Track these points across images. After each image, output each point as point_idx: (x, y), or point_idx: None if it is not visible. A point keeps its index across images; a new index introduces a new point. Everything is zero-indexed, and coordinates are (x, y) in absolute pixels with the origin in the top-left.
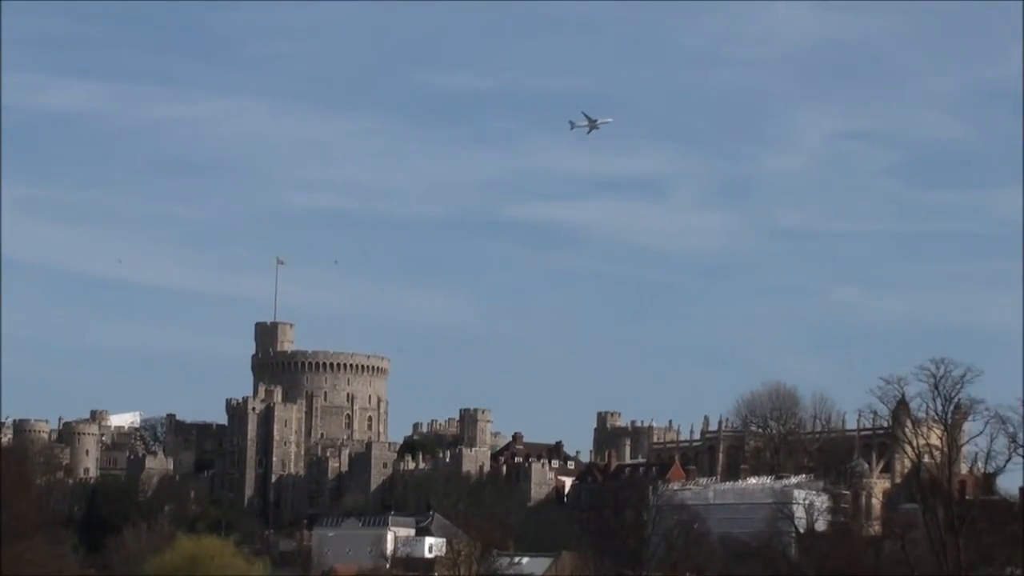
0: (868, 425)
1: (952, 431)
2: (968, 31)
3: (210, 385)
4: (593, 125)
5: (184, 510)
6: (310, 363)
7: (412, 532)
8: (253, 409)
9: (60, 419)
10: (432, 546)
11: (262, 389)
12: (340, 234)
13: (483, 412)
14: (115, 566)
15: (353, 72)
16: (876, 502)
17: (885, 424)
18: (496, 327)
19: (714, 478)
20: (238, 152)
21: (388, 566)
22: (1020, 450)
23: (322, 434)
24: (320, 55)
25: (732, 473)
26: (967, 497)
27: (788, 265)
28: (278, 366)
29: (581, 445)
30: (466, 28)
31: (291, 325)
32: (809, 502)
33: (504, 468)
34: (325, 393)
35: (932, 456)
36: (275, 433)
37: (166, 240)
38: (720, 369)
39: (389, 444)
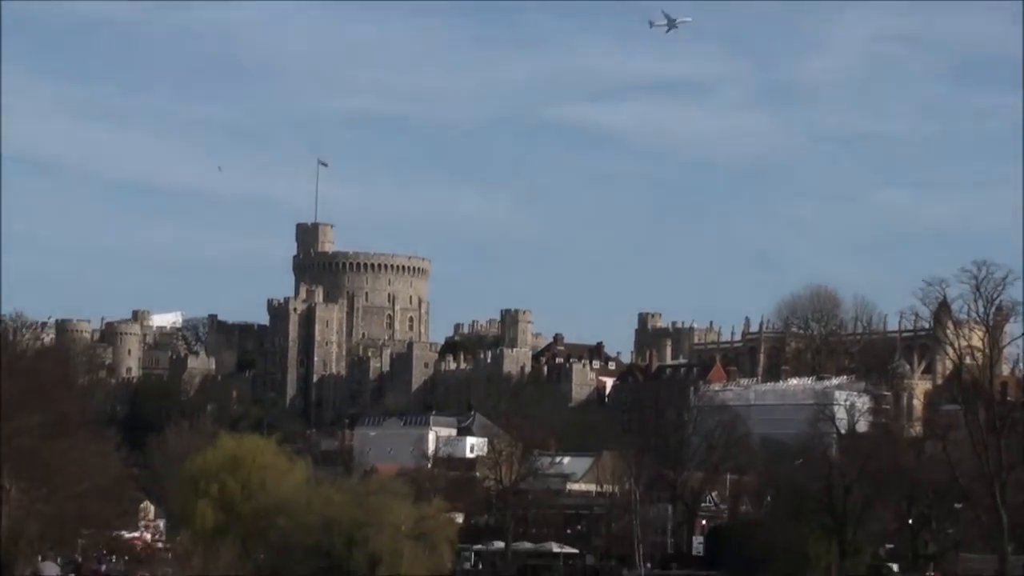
0: (909, 327)
1: (993, 333)
2: None
3: (251, 286)
4: (672, 24)
5: (226, 410)
6: (351, 264)
7: (453, 432)
8: (294, 309)
9: (102, 319)
10: (473, 446)
11: (303, 290)
12: (381, 135)
13: (524, 313)
14: (157, 465)
15: None
16: (917, 403)
17: (926, 326)
18: (537, 228)
19: (755, 379)
20: (279, 54)
21: (430, 466)
22: None
23: (363, 334)
24: None
25: (773, 374)
26: (1008, 398)
27: (831, 168)
28: (319, 267)
29: (622, 346)
30: None
31: (332, 226)
32: (850, 403)
33: (545, 369)
34: (366, 294)
35: (973, 357)
36: (316, 333)
37: (208, 143)
38: (761, 271)
39: (430, 344)
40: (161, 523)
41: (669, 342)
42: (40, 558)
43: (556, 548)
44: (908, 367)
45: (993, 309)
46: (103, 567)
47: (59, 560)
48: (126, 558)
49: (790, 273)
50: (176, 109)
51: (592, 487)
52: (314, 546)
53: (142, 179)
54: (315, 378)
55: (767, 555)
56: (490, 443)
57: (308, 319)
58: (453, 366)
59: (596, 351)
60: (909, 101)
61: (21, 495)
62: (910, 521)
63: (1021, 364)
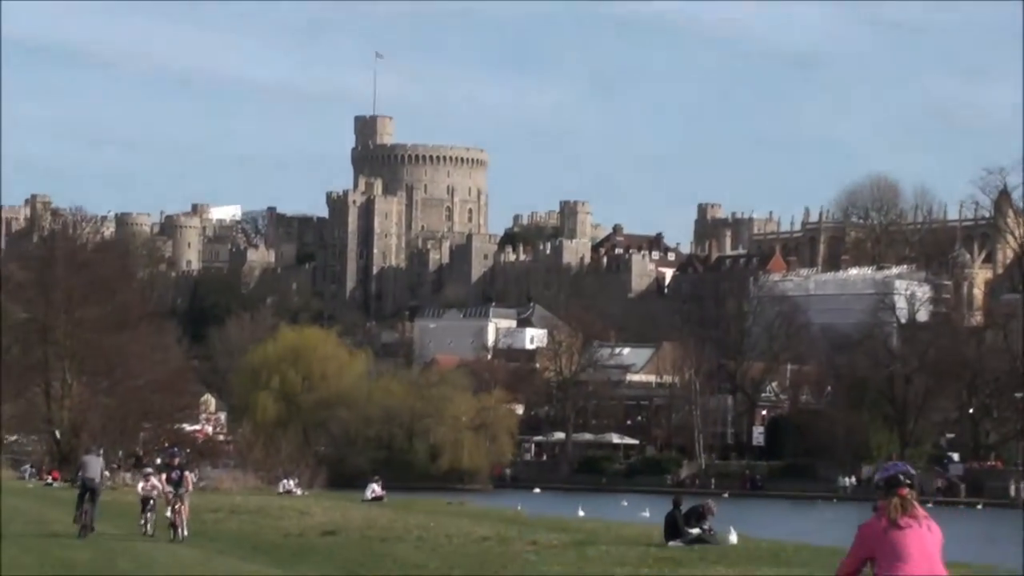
0: (970, 216)
1: None
2: None
3: (310, 179)
4: None
5: (286, 302)
6: (409, 156)
7: (513, 323)
8: (354, 202)
9: (162, 213)
10: (533, 337)
11: (362, 182)
12: (441, 26)
13: (583, 204)
14: (218, 357)
15: None
16: (978, 292)
17: (987, 215)
18: (595, 118)
19: (815, 269)
20: None
21: (490, 357)
22: None
23: (422, 226)
24: None
25: (833, 264)
26: None
27: (892, 57)
28: (378, 159)
29: (681, 237)
30: None
31: (390, 119)
32: (911, 292)
33: (604, 260)
34: (425, 186)
35: None
36: (376, 226)
37: (266, 35)
38: (821, 161)
39: (489, 236)
40: (222, 416)
41: (729, 232)
42: (84, 451)
43: (616, 439)
44: (968, 256)
45: None
46: (177, 460)
47: (101, 452)
48: (188, 451)
49: (850, 162)
50: (237, 2)
51: (652, 378)
52: (375, 437)
53: (203, 72)
54: (375, 270)
55: (828, 445)
56: (550, 334)
57: (367, 211)
58: (512, 258)
59: (655, 242)
60: None
61: (83, 388)
62: (971, 411)
63: None
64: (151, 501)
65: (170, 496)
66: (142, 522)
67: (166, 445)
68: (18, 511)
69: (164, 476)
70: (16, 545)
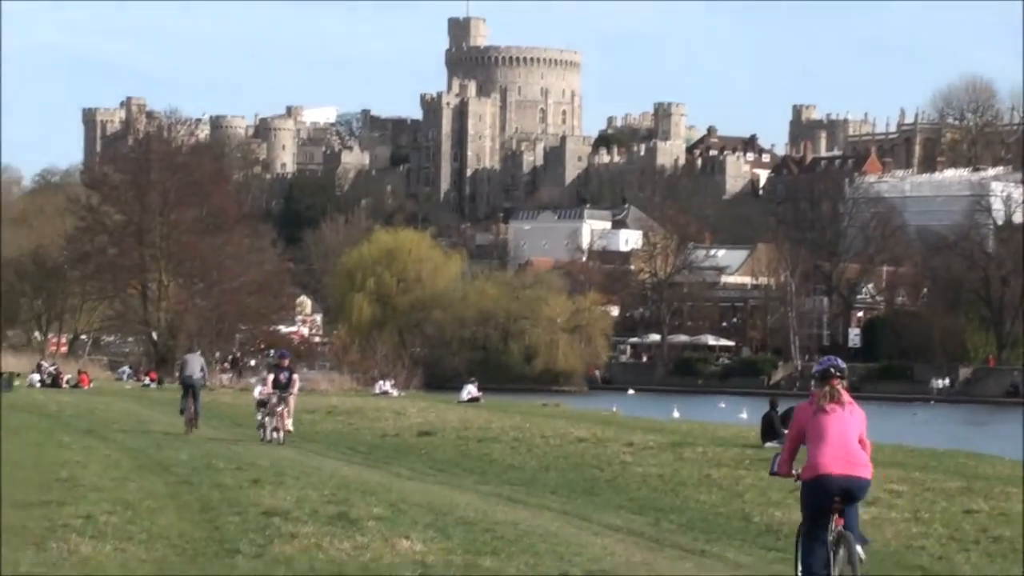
0: None
1: None
2: None
3: (404, 81)
4: None
5: (380, 204)
6: (503, 58)
7: (608, 225)
8: (447, 104)
9: (256, 115)
10: (628, 239)
11: (456, 84)
12: None
13: (677, 106)
14: (313, 259)
15: None
16: None
17: None
18: (690, 19)
19: (910, 170)
20: None
21: (584, 259)
22: None
23: (516, 128)
24: None
25: (928, 165)
26: None
27: None
28: (471, 61)
29: (776, 138)
30: None
31: (484, 20)
32: (1007, 194)
33: (699, 161)
34: (519, 88)
35: None
36: (469, 128)
37: None
38: (916, 62)
39: (583, 138)
40: (318, 317)
41: (824, 134)
42: (185, 351)
43: (711, 341)
44: None
45: None
46: (286, 361)
47: (199, 351)
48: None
49: (945, 63)
50: None
51: (747, 280)
52: (470, 339)
53: None
54: (468, 172)
55: (924, 346)
56: (645, 236)
57: (461, 113)
58: (606, 159)
59: (750, 143)
60: None
61: (179, 290)
62: None
63: None
64: (268, 404)
65: (275, 398)
66: (259, 426)
67: (262, 347)
68: (116, 412)
69: (271, 377)
70: (114, 445)
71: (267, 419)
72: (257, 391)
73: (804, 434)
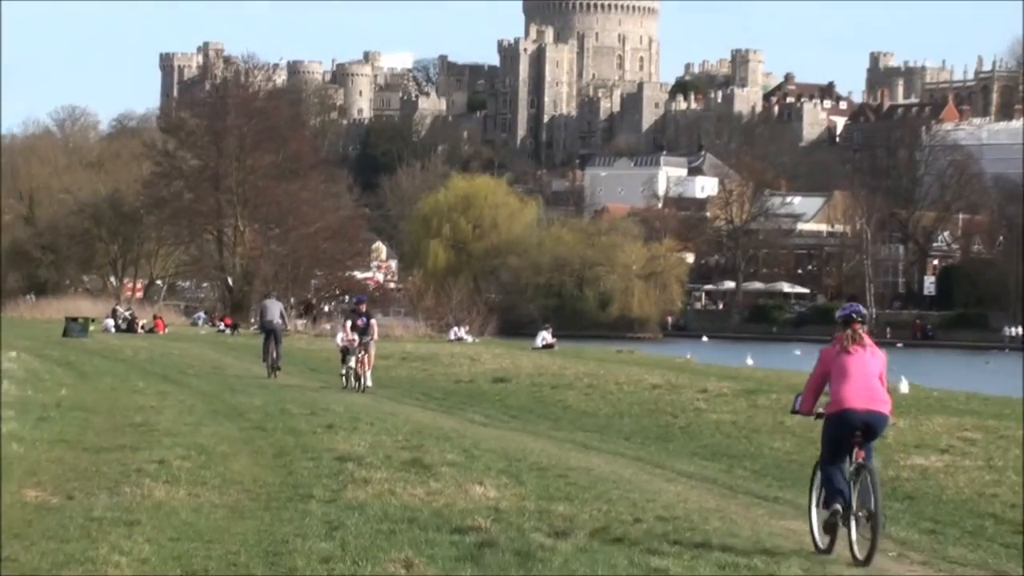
0: None
1: None
2: None
3: (481, 27)
4: None
5: (457, 150)
6: (581, 4)
7: (684, 172)
8: (525, 50)
9: (333, 60)
10: (704, 186)
11: (533, 30)
12: None
13: (755, 52)
14: (389, 205)
15: None
16: None
17: None
18: None
19: (988, 118)
20: None
21: (660, 206)
22: None
23: (593, 75)
24: None
25: (1006, 113)
26: None
27: None
28: (549, 7)
29: (853, 85)
30: None
31: None
32: None
33: (776, 108)
34: (596, 34)
35: None
36: (547, 74)
37: None
38: (995, 8)
39: (660, 85)
40: (393, 263)
41: (901, 81)
42: (263, 296)
43: (787, 288)
44: None
45: None
46: (364, 307)
47: (277, 296)
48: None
49: None
50: None
51: (823, 227)
52: (545, 285)
53: None
54: (545, 119)
55: (999, 295)
56: (721, 183)
57: (538, 60)
58: (683, 106)
59: (827, 90)
60: None
61: (255, 236)
62: None
63: None
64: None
65: (354, 344)
66: (343, 373)
67: (337, 293)
68: (191, 357)
69: (349, 323)
70: (189, 391)
71: (350, 367)
72: (339, 338)
73: (827, 375)
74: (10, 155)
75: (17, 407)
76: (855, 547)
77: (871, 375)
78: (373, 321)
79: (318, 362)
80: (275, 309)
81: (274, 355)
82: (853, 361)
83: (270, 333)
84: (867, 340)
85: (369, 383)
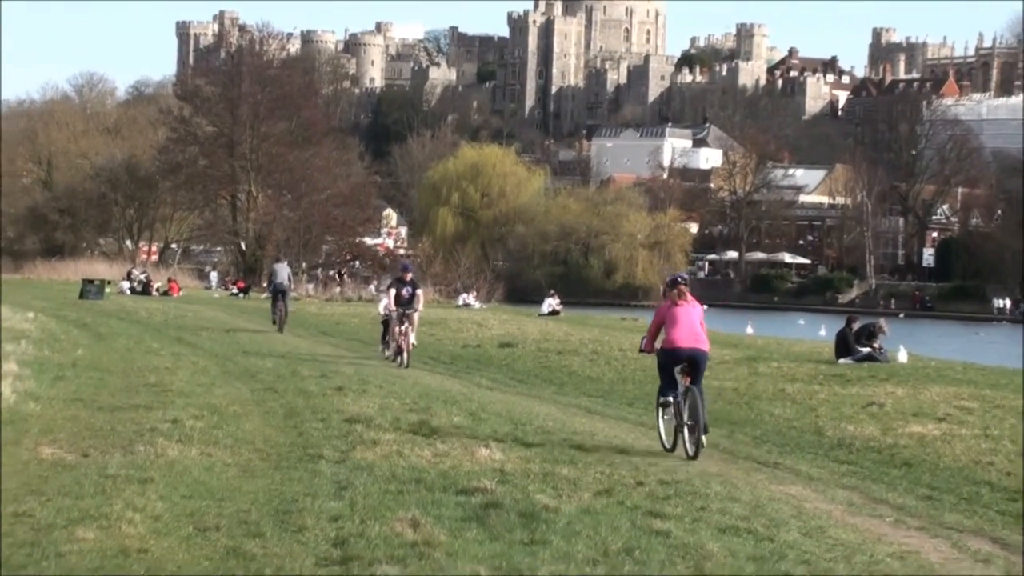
0: None
1: None
2: None
3: None
4: None
5: (466, 120)
6: None
7: (689, 143)
8: (534, 22)
9: (346, 30)
10: (708, 157)
11: (542, 2)
12: None
13: (759, 27)
14: (400, 172)
15: None
16: None
17: None
18: None
19: (987, 94)
20: None
21: (665, 176)
22: None
23: (601, 47)
24: None
25: (1006, 89)
26: None
27: None
28: None
29: (856, 60)
30: None
31: None
32: None
33: (779, 82)
34: (604, 7)
35: None
36: (555, 45)
37: None
38: None
39: (666, 57)
40: (403, 230)
41: (903, 56)
42: (273, 260)
43: (788, 258)
44: None
45: None
46: (409, 275)
47: (286, 261)
48: (369, 263)
49: None
50: None
51: (824, 199)
52: (551, 253)
53: None
54: (553, 90)
55: (997, 267)
56: (725, 155)
57: (547, 32)
58: (689, 79)
59: (830, 65)
60: None
61: (267, 201)
62: None
63: None
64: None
65: (396, 315)
66: (385, 342)
67: (348, 257)
68: (205, 320)
69: (393, 293)
70: (202, 352)
71: (390, 338)
72: (381, 306)
73: (662, 323)
74: (29, 120)
75: (34, 366)
76: (687, 448)
77: (694, 322)
78: (420, 291)
79: (328, 326)
80: (283, 272)
81: (282, 313)
82: (680, 312)
83: (279, 293)
84: (689, 297)
85: (413, 341)
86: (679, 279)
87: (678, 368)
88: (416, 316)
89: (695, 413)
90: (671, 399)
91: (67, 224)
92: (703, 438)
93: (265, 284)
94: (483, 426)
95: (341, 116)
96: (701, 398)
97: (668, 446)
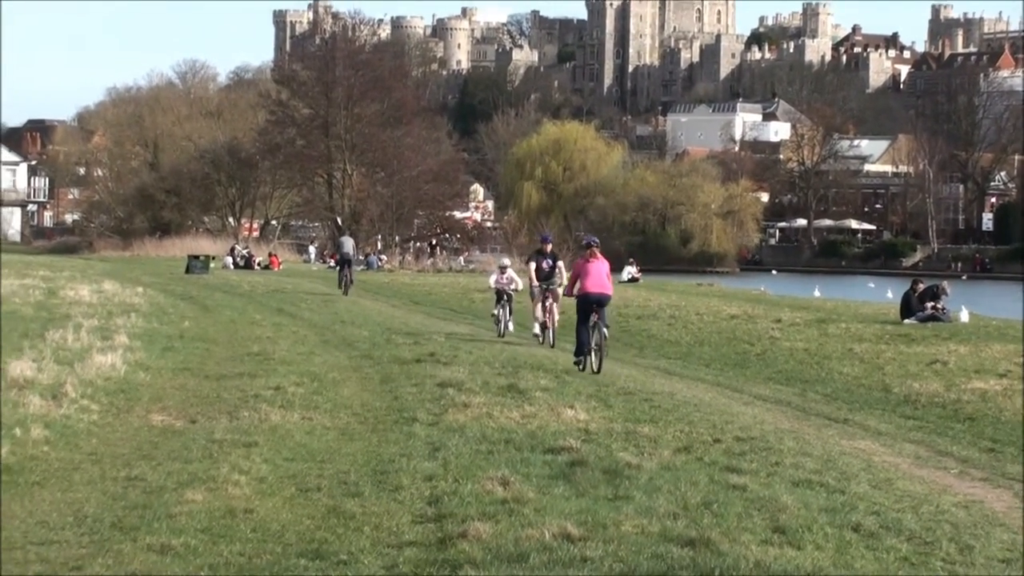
0: None
1: None
2: None
3: None
4: None
5: (548, 98)
6: None
7: (759, 118)
8: (611, 4)
9: (434, 15)
10: (778, 130)
11: None
12: None
13: (824, 5)
14: (486, 150)
15: None
16: None
17: None
18: None
19: None
20: None
21: (737, 149)
22: None
23: (674, 27)
24: None
25: None
26: None
27: None
28: None
29: (916, 36)
30: None
31: None
32: None
33: (844, 58)
34: None
35: None
36: (631, 27)
37: None
38: None
39: (737, 36)
40: (490, 204)
41: (961, 31)
42: (340, 234)
43: (854, 225)
44: None
45: None
46: (549, 246)
47: (349, 234)
48: (458, 236)
49: None
50: None
51: (888, 168)
52: (630, 223)
53: None
54: (630, 69)
55: None
56: (793, 127)
57: (623, 14)
58: (758, 56)
59: (892, 41)
60: None
61: (361, 179)
62: None
63: None
64: (505, 295)
65: (539, 290)
66: (494, 314)
67: (438, 230)
68: (304, 291)
69: (532, 266)
70: (302, 322)
71: (501, 311)
72: (492, 279)
73: (579, 275)
74: (136, 105)
75: (144, 338)
76: (593, 366)
77: (601, 274)
78: (560, 264)
79: (420, 295)
80: (349, 244)
81: (348, 278)
82: (592, 267)
83: (345, 262)
84: (598, 255)
85: (556, 328)
86: (592, 242)
87: (590, 306)
88: (561, 291)
89: (599, 338)
90: (585, 339)
91: (173, 203)
92: (603, 358)
93: (334, 254)
94: (568, 388)
95: (430, 97)
96: (605, 328)
97: (582, 368)
